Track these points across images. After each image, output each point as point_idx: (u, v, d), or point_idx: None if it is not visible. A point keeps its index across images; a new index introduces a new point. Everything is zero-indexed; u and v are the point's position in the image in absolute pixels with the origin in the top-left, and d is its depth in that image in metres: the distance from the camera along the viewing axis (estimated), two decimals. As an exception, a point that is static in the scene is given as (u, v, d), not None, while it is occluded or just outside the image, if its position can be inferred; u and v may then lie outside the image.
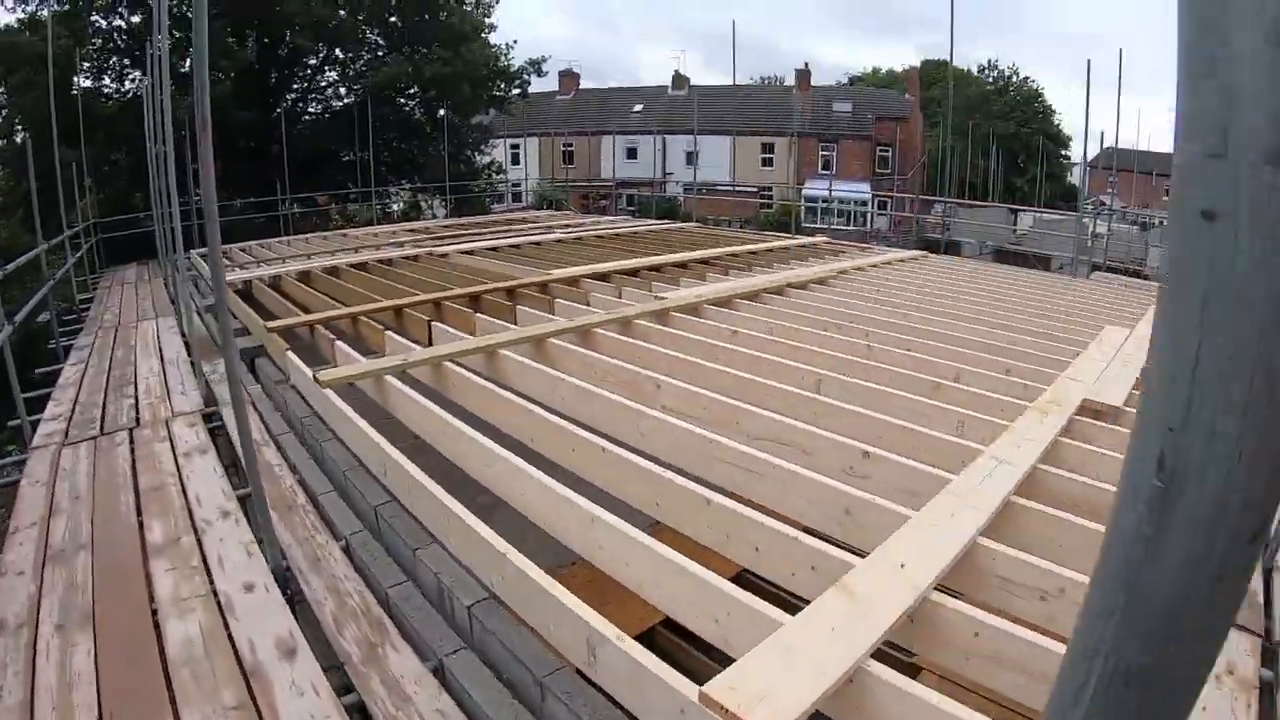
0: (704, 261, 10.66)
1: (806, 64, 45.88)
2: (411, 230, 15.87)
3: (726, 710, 2.10)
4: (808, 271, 9.66)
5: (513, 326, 6.55)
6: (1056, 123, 57.03)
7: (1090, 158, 64.17)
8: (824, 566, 2.93)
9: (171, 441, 5.38)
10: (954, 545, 3.01)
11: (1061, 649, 2.74)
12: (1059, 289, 10.60)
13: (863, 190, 38.41)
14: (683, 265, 10.26)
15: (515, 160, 36.71)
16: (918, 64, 51.42)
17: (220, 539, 3.98)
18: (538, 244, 12.50)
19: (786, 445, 4.10)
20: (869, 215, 38.97)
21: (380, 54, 24.92)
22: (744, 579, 4.30)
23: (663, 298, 7.53)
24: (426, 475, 3.90)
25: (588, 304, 7.70)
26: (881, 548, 2.96)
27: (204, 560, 3.78)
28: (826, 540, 3.12)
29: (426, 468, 3.99)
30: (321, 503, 4.35)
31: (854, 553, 3.05)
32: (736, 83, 47.73)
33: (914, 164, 44.96)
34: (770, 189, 39.16)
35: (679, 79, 45.81)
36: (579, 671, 2.76)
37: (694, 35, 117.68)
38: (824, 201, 35.89)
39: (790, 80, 47.50)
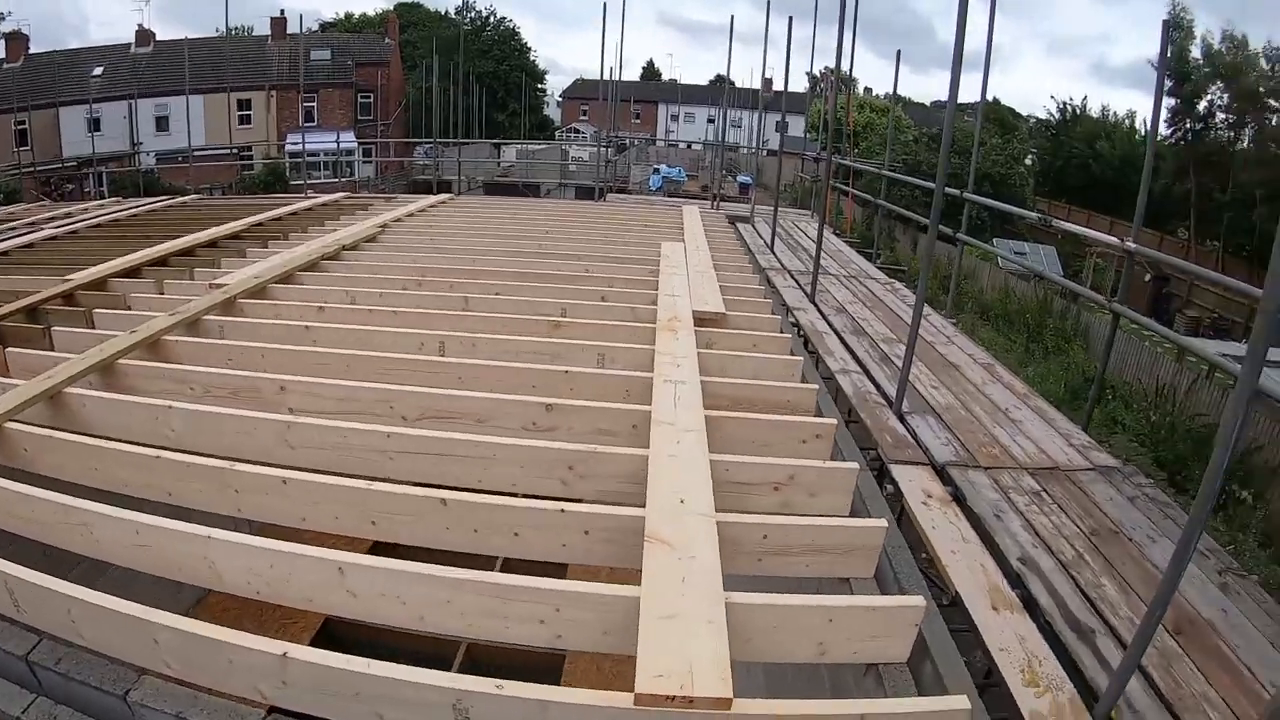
0: (234, 237, 9.70)
1: (283, 11, 43.26)
2: None
3: (674, 699, 2.10)
4: (351, 231, 9.20)
5: (56, 354, 5.24)
6: (533, 59, 59.92)
7: (564, 90, 68.36)
8: (604, 526, 2.93)
9: None
10: (702, 469, 3.24)
11: (816, 522, 3.14)
12: (593, 214, 11.23)
13: (348, 140, 37.42)
14: (212, 244, 9.23)
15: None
16: (389, 7, 50.84)
17: None
18: (30, 246, 10.13)
19: (455, 417, 3.93)
20: (355, 164, 38.18)
21: None
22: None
23: (220, 285, 6.66)
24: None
25: (129, 308, 6.54)
26: (654, 492, 3.04)
27: None
28: (565, 500, 3.09)
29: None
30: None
31: (599, 503, 3.10)
32: (206, 35, 43.52)
33: (396, 109, 44.71)
34: (250, 148, 36.69)
35: (143, 34, 40.52)
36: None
37: None
38: (309, 155, 34.37)
39: (262, 29, 44.52)
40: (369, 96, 43.17)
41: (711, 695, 2.13)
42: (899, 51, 13.97)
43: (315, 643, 5.61)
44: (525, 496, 3.12)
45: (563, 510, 2.93)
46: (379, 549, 3.14)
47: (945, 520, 4.40)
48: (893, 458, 5.08)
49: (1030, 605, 3.77)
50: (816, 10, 13.94)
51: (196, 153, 34.39)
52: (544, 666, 4.27)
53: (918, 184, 11.64)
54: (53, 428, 4.09)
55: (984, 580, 3.87)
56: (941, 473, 4.97)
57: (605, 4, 20.40)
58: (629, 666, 2.24)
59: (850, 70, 8.55)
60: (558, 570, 3.15)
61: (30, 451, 3.91)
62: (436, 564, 2.63)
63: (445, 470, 3.46)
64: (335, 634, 5.59)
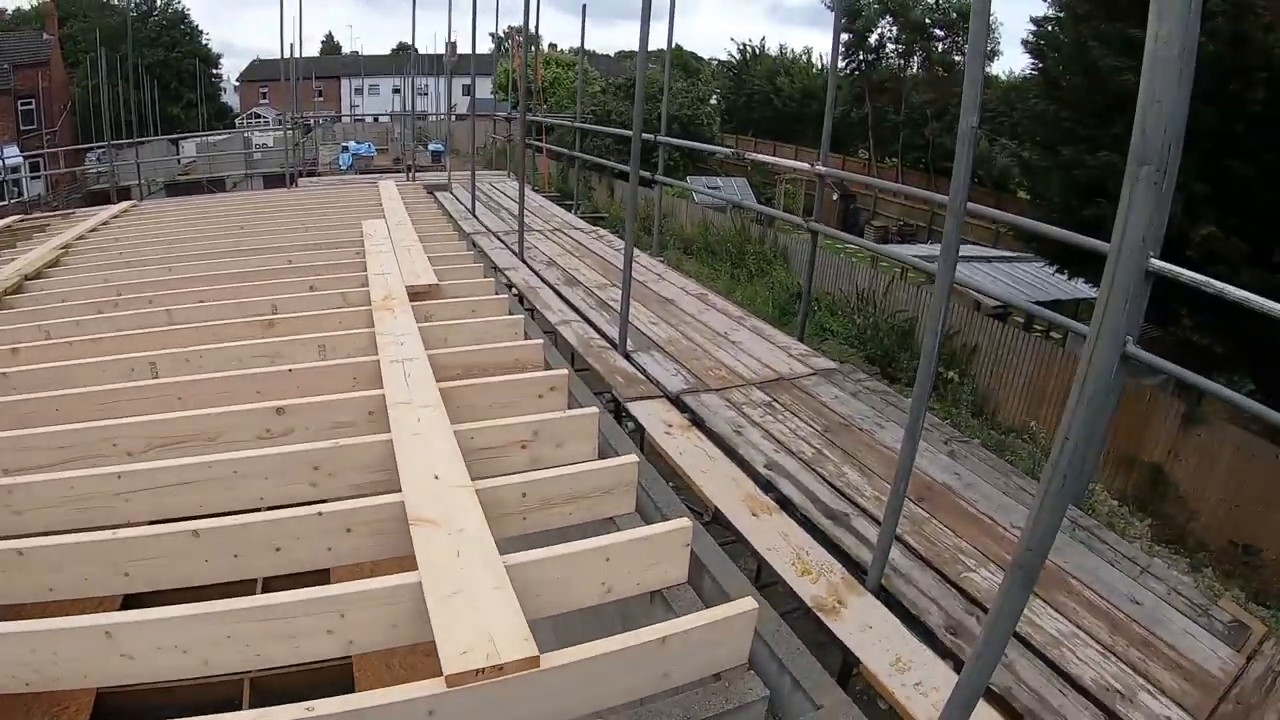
0: (-112, 283, 8.42)
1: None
2: None
3: (484, 671, 2.12)
4: (30, 259, 8.23)
5: None
6: (206, 42, 55.35)
7: (241, 73, 64.15)
8: (366, 519, 2.87)
9: None
10: (448, 441, 3.26)
11: (569, 470, 3.24)
12: (288, 201, 10.80)
13: (12, 154, 33.33)
14: None
15: None
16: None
17: None
18: None
19: (185, 441, 3.64)
20: (23, 180, 34.15)
21: None
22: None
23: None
24: None
25: None
26: (406, 474, 3.02)
27: None
28: (318, 502, 2.97)
29: None
30: None
31: (355, 497, 3.03)
32: None
33: (63, 112, 40.39)
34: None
35: None
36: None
37: None
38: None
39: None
40: (30, 103, 38.44)
41: (519, 657, 2.17)
42: (584, 6, 14.05)
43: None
44: (277, 508, 2.98)
45: (320, 514, 2.82)
46: (136, 601, 2.86)
47: (690, 445, 4.61)
48: (627, 395, 5.26)
49: (786, 505, 4.09)
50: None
51: None
52: (331, 681, 4.06)
53: (612, 134, 11.87)
54: None
55: (738, 491, 4.15)
56: (677, 402, 5.20)
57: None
58: (419, 657, 2.21)
59: (536, 28, 8.59)
60: (323, 578, 3.00)
61: None
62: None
63: (188, 499, 3.21)
64: (111, 706, 5.01)
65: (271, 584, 3.03)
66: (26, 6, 51.34)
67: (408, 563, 2.63)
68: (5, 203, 27.96)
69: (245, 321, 5.12)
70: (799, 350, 6.28)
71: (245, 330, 4.98)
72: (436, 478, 2.95)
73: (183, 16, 54.99)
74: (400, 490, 2.92)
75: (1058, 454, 1.74)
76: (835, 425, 4.97)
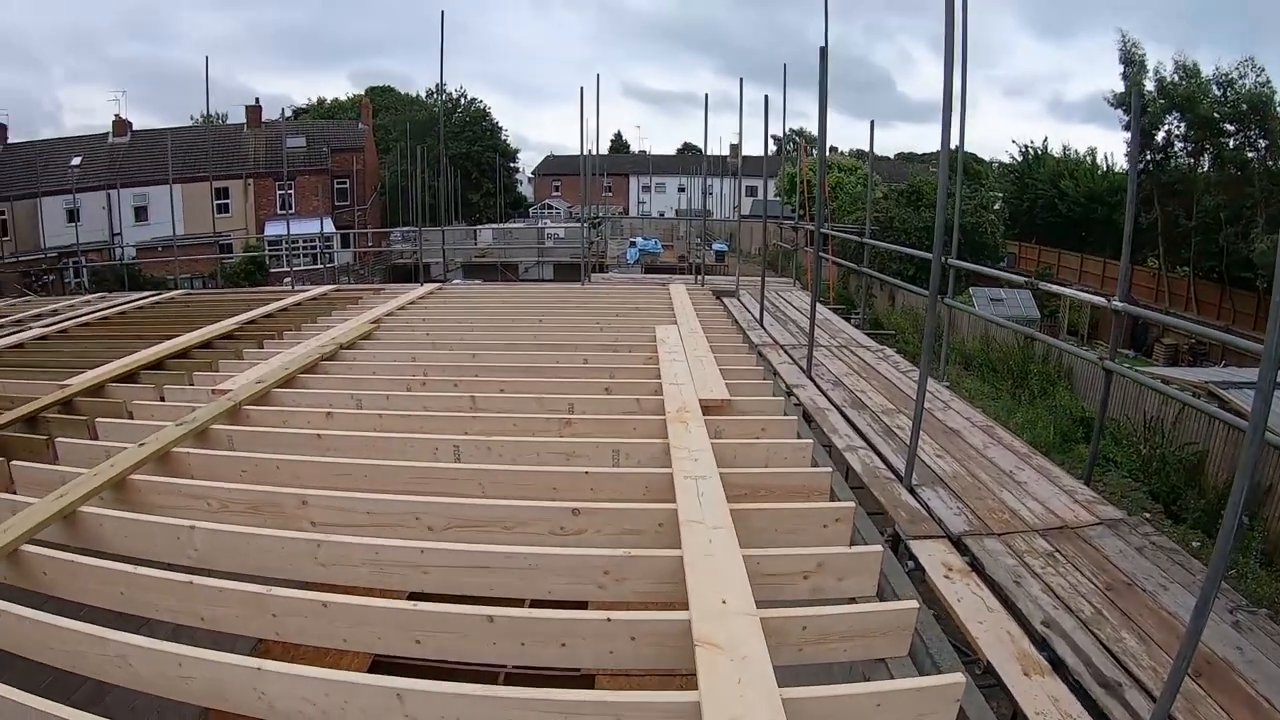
0: (228, 336, 9.71)
1: (258, 99, 44.07)
2: None
3: None
4: (346, 329, 9.22)
5: (63, 468, 5.10)
6: (505, 137, 61.07)
7: (536, 167, 69.32)
8: (650, 631, 2.95)
9: None
10: (737, 566, 3.28)
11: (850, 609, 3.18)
12: (582, 298, 11.35)
13: (327, 227, 37.61)
14: (206, 344, 9.21)
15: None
16: (360, 91, 51.80)
17: None
18: (20, 346, 9.95)
19: (483, 526, 3.92)
20: (334, 251, 38.27)
21: None
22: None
23: (223, 390, 6.63)
24: None
25: (131, 416, 6.41)
26: (695, 594, 3.07)
27: None
28: (602, 605, 3.18)
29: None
30: None
31: (640, 607, 3.18)
32: (176, 125, 43.80)
33: (372, 193, 45.09)
34: (229, 237, 36.76)
35: (120, 124, 40.94)
36: None
37: (130, 73, 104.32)
38: (288, 244, 34.49)
39: (235, 117, 45.08)
40: (345, 182, 43.53)
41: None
42: (872, 122, 14.34)
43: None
44: (561, 605, 3.14)
45: (609, 619, 2.94)
46: (395, 668, 3.09)
47: (968, 591, 4.45)
48: (910, 533, 5.14)
49: (1059, 666, 3.86)
50: (785, 75, 14.17)
51: (177, 243, 34.29)
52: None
53: (904, 252, 11.71)
54: (70, 549, 4.01)
55: (1012, 647, 3.95)
56: (958, 544, 5.04)
57: (582, 88, 20.92)
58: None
59: (822, 133, 8.72)
60: (574, 681, 3.13)
61: (50, 575, 3.82)
62: (481, 682, 2.63)
63: (481, 581, 3.46)
64: None
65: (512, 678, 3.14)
66: (344, 97, 58.44)
67: (685, 681, 2.69)
68: (318, 267, 31.43)
69: (544, 417, 5.44)
70: (1084, 496, 5.94)
71: (543, 425, 5.30)
72: (724, 602, 2.99)
73: (484, 114, 60.86)
74: (687, 608, 2.98)
75: None
76: (1118, 583, 4.66)
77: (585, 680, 4.84)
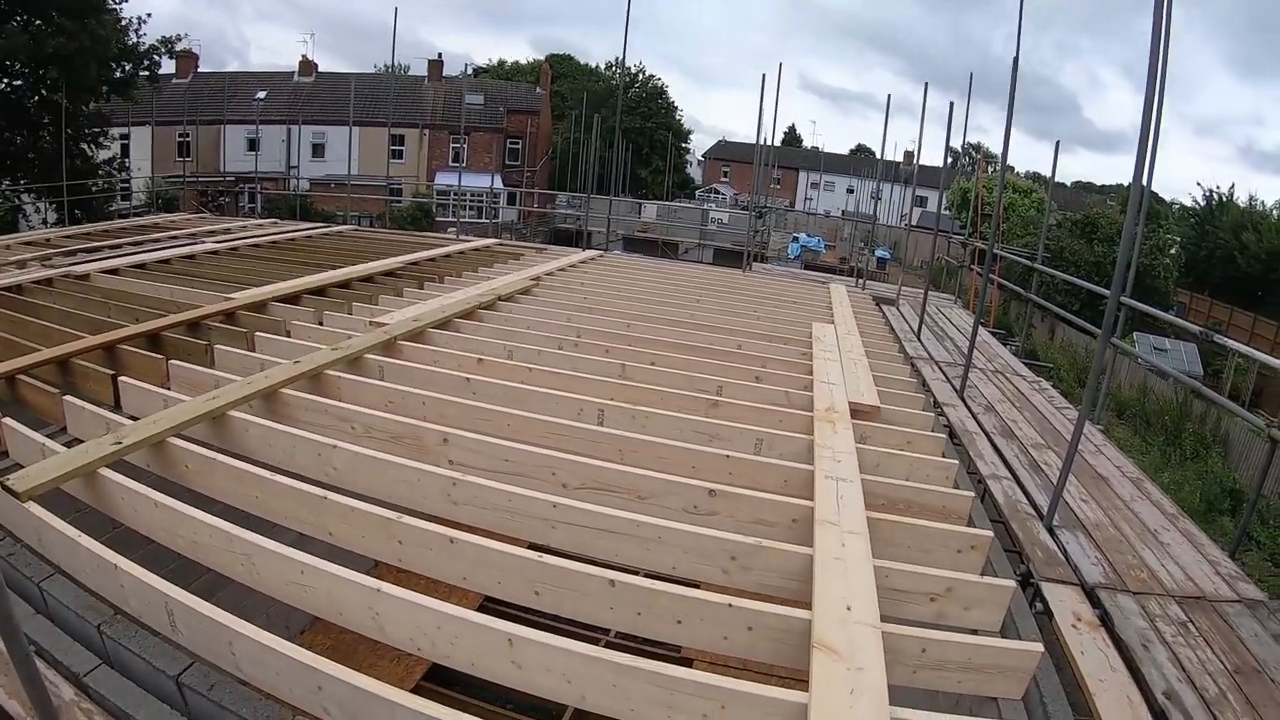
0: (390, 274, 10.09)
1: (440, 54, 45.40)
2: (29, 244, 12.23)
3: None
4: (505, 281, 9.44)
5: (218, 373, 5.48)
6: (679, 117, 61.24)
7: (707, 150, 69.47)
8: (769, 625, 2.94)
9: None
10: (866, 575, 3.23)
11: (973, 640, 3.11)
12: (742, 285, 11.29)
13: (496, 183, 38.54)
14: (369, 279, 9.59)
15: (124, 152, 30.88)
16: (539, 57, 52.78)
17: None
18: (191, 258, 10.70)
19: (617, 491, 3.97)
20: (500, 208, 39.18)
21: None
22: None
23: (381, 324, 6.89)
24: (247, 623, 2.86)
25: (289, 335, 6.76)
26: (821, 596, 3.04)
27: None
28: (724, 590, 3.17)
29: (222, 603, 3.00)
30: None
31: (763, 599, 3.07)
32: (361, 70, 45.84)
33: (543, 156, 45.89)
34: (399, 182, 38.06)
35: (306, 65, 43.33)
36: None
37: (316, 19, 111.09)
38: (455, 194, 35.54)
39: (416, 70, 46.61)
40: (517, 142, 44.53)
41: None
42: (1057, 143, 13.71)
43: (426, 680, 5.76)
44: (677, 582, 3.13)
45: (730, 605, 2.93)
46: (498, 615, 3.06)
47: (1094, 646, 4.26)
48: (1044, 575, 4.95)
49: (1174, 742, 3.66)
50: (971, 84, 13.68)
51: (350, 182, 35.84)
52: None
53: (1077, 283, 11.18)
54: (214, 448, 4.26)
55: (1130, 713, 3.77)
56: (1091, 594, 4.83)
57: (764, 75, 20.75)
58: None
59: (1005, 148, 8.36)
60: (671, 660, 3.13)
61: (192, 469, 4.09)
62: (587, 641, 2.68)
63: (606, 546, 3.51)
64: (442, 674, 5.64)
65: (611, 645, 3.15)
66: (524, 60, 59.55)
67: (796, 681, 2.68)
68: (483, 221, 32.34)
69: (692, 395, 5.47)
70: (1227, 570, 5.59)
71: (690, 404, 5.33)
72: (849, 609, 2.96)
73: (661, 91, 61.04)
74: (810, 608, 2.96)
75: None
76: (1247, 668, 4.37)
77: (683, 662, 4.87)
